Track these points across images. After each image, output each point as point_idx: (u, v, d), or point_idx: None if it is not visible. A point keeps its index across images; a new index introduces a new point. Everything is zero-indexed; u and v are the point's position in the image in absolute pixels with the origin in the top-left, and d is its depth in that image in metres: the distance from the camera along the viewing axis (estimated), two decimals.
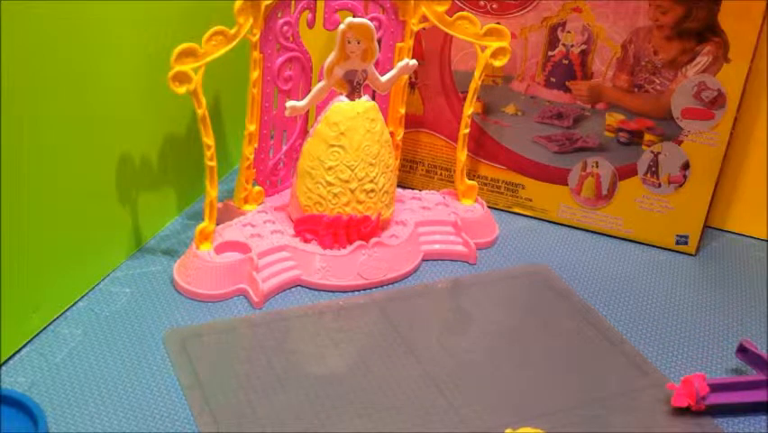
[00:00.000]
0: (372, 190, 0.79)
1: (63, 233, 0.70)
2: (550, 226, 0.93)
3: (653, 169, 0.88)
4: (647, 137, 0.87)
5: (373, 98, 0.80)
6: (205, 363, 0.67)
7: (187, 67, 0.69)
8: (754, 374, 0.69)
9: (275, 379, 0.66)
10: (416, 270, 0.82)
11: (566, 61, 0.86)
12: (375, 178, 0.78)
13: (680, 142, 0.86)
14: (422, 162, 0.95)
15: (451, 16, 0.81)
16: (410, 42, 0.83)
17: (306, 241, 0.79)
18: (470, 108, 0.85)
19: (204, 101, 0.71)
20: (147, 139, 0.79)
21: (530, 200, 0.93)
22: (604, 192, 0.90)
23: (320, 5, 0.80)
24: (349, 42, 0.74)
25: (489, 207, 0.90)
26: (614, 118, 0.87)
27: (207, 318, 0.73)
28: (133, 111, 0.76)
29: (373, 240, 0.79)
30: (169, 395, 0.64)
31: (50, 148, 0.66)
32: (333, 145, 0.76)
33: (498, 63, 0.82)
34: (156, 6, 0.75)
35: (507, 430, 0.60)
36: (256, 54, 0.76)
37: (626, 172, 0.89)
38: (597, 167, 0.89)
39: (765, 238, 0.94)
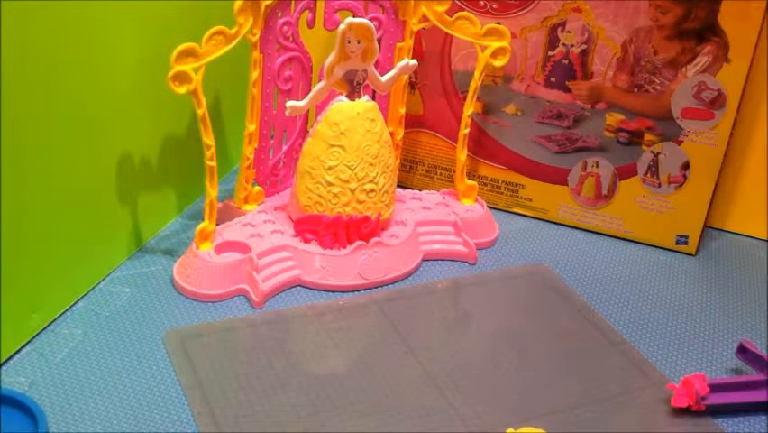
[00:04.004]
0: (372, 190, 0.79)
1: (63, 233, 0.70)
2: (550, 226, 0.93)
3: (653, 169, 0.88)
4: (647, 137, 0.87)
5: (373, 98, 0.80)
6: (205, 363, 0.67)
7: (187, 67, 0.69)
8: (754, 374, 0.69)
9: (275, 379, 0.66)
10: (416, 270, 0.82)
11: (566, 61, 0.86)
12: (375, 178, 0.78)
13: (680, 143, 0.86)
14: (422, 162, 0.95)
15: (451, 16, 0.81)
16: (410, 42, 0.83)
17: (306, 241, 0.79)
18: (470, 108, 0.85)
19: (204, 101, 0.71)
20: (147, 139, 0.79)
21: (530, 200, 0.93)
22: (604, 192, 0.90)
23: (320, 5, 0.80)
24: (349, 42, 0.74)
25: (489, 207, 0.90)
26: (614, 118, 0.87)
27: (207, 318, 0.73)
28: (133, 111, 0.76)
29: (373, 240, 0.79)
30: (169, 395, 0.64)
31: (50, 148, 0.66)
32: (333, 145, 0.76)
33: (498, 63, 0.82)
34: (156, 6, 0.75)
35: (509, 430, 0.60)
36: (256, 54, 0.76)
37: (626, 172, 0.89)
38: (597, 167, 0.89)
39: (765, 238, 0.94)
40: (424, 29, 0.84)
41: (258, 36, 0.74)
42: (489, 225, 0.89)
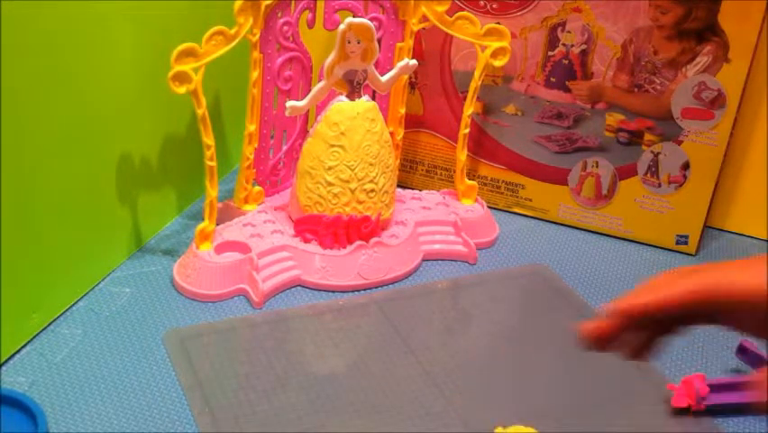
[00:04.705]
0: (372, 190, 0.79)
1: (63, 233, 0.70)
2: (550, 226, 0.93)
3: (653, 169, 0.88)
4: (647, 137, 0.87)
5: (373, 98, 0.80)
6: (205, 363, 0.67)
7: (187, 67, 0.69)
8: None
9: (275, 379, 0.66)
10: (416, 270, 0.82)
11: (566, 61, 0.86)
12: (375, 178, 0.78)
13: (680, 143, 0.86)
14: (422, 162, 0.95)
15: (451, 16, 0.81)
16: (410, 42, 0.83)
17: (306, 241, 0.79)
18: (470, 108, 0.85)
19: (204, 101, 0.71)
20: (147, 139, 0.79)
21: (530, 200, 0.93)
22: (604, 192, 0.90)
23: (320, 5, 0.80)
24: (349, 42, 0.74)
25: (489, 207, 0.90)
26: (614, 118, 0.87)
27: (207, 318, 0.73)
28: (133, 111, 0.76)
29: (373, 240, 0.79)
30: (169, 395, 0.64)
31: (51, 148, 0.66)
32: (333, 145, 0.76)
33: (498, 63, 0.82)
34: (156, 6, 0.75)
35: (498, 429, 0.60)
36: (256, 54, 0.76)
37: (626, 172, 0.89)
38: (597, 167, 0.89)
39: (765, 238, 0.94)
40: (424, 29, 0.84)
41: (258, 36, 0.74)
42: (489, 225, 0.89)
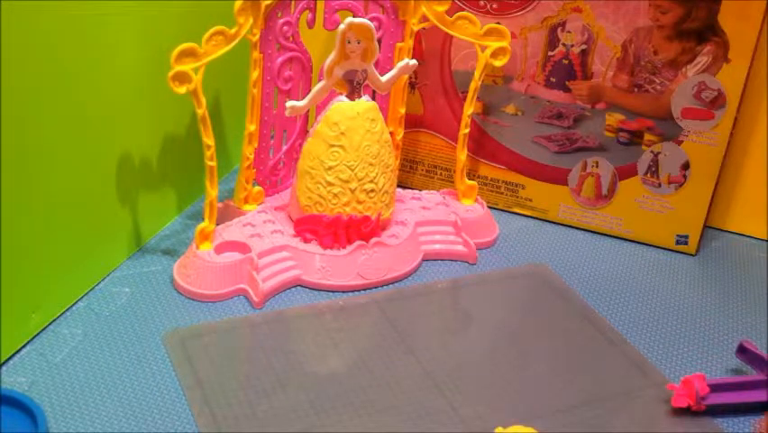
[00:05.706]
0: (372, 190, 0.79)
1: (63, 233, 0.70)
2: (550, 226, 0.93)
3: (653, 169, 0.88)
4: (647, 137, 0.87)
5: (373, 98, 0.80)
6: (205, 363, 0.67)
7: (187, 67, 0.69)
8: (754, 374, 0.69)
9: (275, 379, 0.66)
10: (416, 270, 0.82)
11: (566, 61, 0.86)
12: (375, 178, 0.78)
13: (680, 142, 0.86)
14: (422, 162, 0.95)
15: (451, 16, 0.81)
16: (410, 42, 0.83)
17: (306, 241, 0.79)
18: (470, 108, 0.85)
19: (204, 101, 0.71)
20: (147, 139, 0.79)
21: (530, 200, 0.93)
22: (604, 192, 0.90)
23: (320, 5, 0.80)
24: (349, 42, 0.74)
25: (489, 207, 0.90)
26: (614, 118, 0.87)
27: (207, 318, 0.73)
28: (133, 111, 0.76)
29: (373, 240, 0.79)
30: (169, 395, 0.64)
31: (51, 148, 0.66)
32: (333, 145, 0.76)
33: (498, 63, 0.82)
34: (156, 6, 0.75)
35: (498, 429, 0.60)
36: (256, 54, 0.76)
37: (626, 172, 0.89)
38: (597, 167, 0.89)
39: (765, 238, 0.94)
40: (424, 29, 0.84)
41: (258, 36, 0.74)
42: (489, 225, 0.89)
